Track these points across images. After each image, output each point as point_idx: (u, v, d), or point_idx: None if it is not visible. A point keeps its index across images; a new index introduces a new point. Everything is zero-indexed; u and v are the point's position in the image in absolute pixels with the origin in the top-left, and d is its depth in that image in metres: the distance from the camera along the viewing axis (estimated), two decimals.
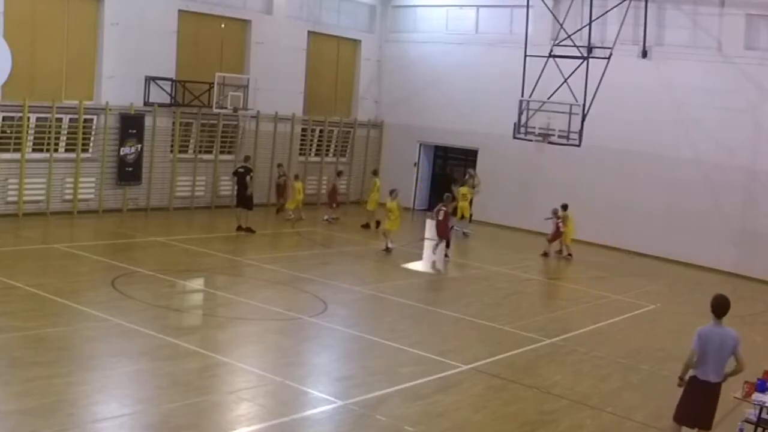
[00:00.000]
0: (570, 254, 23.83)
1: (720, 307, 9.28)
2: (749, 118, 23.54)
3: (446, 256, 21.85)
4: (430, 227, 25.17)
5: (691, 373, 9.41)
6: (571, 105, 22.45)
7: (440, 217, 21.88)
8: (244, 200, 22.48)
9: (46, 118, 22.00)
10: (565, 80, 22.78)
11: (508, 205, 28.24)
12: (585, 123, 22.30)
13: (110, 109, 23.27)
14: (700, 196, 24.36)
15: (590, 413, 11.37)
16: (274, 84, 27.19)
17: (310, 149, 29.72)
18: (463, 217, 26.13)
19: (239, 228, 22.21)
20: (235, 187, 23.43)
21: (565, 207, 23.82)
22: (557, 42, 23.55)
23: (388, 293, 17.32)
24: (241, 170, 22.73)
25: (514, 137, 23.93)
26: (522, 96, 23.86)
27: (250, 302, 15.45)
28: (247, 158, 23.66)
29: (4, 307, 13.27)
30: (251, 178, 22.72)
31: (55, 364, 10.91)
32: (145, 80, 23.98)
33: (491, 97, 27.91)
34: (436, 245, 21.99)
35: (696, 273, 23.83)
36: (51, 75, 22.27)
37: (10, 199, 21.57)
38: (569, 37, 23.24)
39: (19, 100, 21.17)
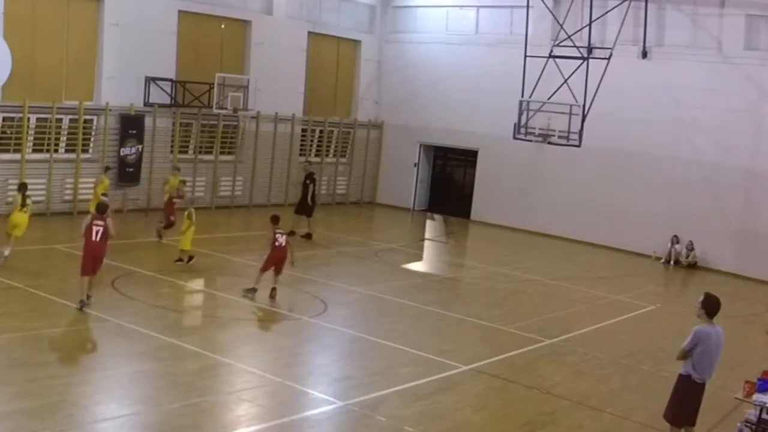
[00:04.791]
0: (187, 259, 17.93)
1: (716, 306, 9.24)
2: (749, 118, 23.55)
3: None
4: None
5: (683, 371, 9.36)
6: (571, 105, 22.44)
7: (281, 242, 16.07)
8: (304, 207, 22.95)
9: (46, 119, 22.00)
10: (565, 81, 22.78)
11: (508, 206, 28.24)
12: (585, 123, 22.30)
13: (110, 110, 23.27)
14: (700, 196, 24.37)
15: (590, 414, 11.37)
16: (275, 84, 27.17)
17: (310, 150, 29.72)
18: None
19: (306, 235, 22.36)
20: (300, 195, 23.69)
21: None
22: (557, 42, 23.55)
23: (387, 294, 17.32)
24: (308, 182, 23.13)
25: (514, 138, 23.92)
26: (522, 96, 23.86)
27: (250, 303, 15.44)
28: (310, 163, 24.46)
29: (4, 308, 13.26)
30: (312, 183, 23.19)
31: (55, 365, 10.92)
32: (145, 81, 23.98)
33: (491, 98, 27.92)
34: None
35: (696, 273, 23.84)
36: (51, 75, 22.27)
37: (10, 199, 21.52)
38: (569, 37, 23.24)
39: (19, 100, 21.17)
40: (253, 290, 15.72)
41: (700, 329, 9.24)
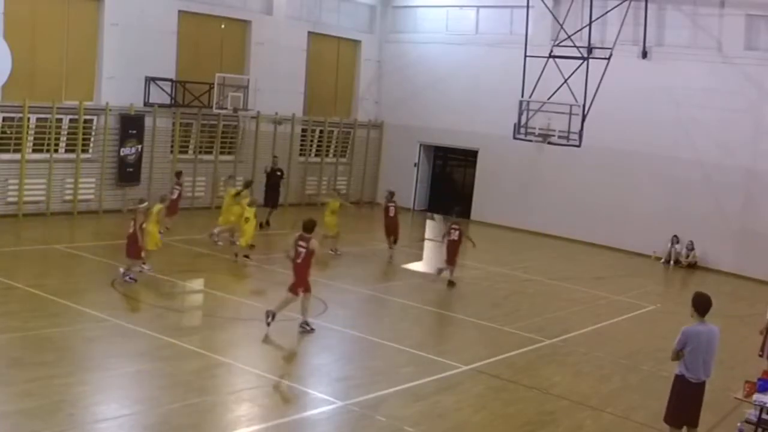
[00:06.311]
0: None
1: (705, 304, 9.19)
2: (749, 118, 23.56)
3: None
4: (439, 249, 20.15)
5: (677, 371, 9.35)
6: (571, 105, 22.42)
7: (454, 237, 18.37)
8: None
9: (46, 119, 22.00)
10: (565, 81, 22.77)
11: (508, 206, 28.25)
12: (585, 123, 22.30)
13: (110, 110, 23.27)
14: (700, 196, 24.38)
15: (590, 414, 11.37)
16: (275, 84, 27.19)
17: (310, 150, 29.73)
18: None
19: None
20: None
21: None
22: (557, 42, 23.54)
23: (388, 294, 17.32)
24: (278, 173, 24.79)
25: (514, 138, 23.92)
26: (522, 96, 23.86)
27: (250, 303, 15.45)
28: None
29: (4, 308, 13.27)
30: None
31: (56, 365, 10.91)
32: (145, 81, 23.98)
33: (491, 98, 27.93)
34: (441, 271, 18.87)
35: (696, 273, 23.84)
36: (51, 75, 22.27)
37: (10, 199, 21.57)
38: (569, 37, 23.23)
39: (19, 100, 21.17)
40: (450, 281, 18.39)
41: (688, 328, 9.23)
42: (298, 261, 13.43)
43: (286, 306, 13.59)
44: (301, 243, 13.42)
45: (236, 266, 18.67)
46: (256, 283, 17.59)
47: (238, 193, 20.09)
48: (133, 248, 15.57)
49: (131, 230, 15.60)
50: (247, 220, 18.50)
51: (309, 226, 13.54)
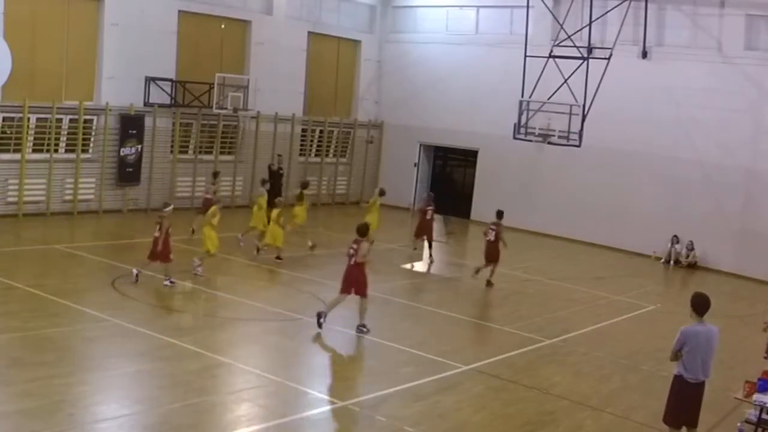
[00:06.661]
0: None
1: (703, 304, 9.17)
2: (749, 118, 23.56)
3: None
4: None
5: (676, 372, 9.35)
6: (571, 105, 22.44)
7: (490, 237, 18.98)
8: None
9: (46, 119, 22.00)
10: (565, 81, 22.78)
11: (508, 206, 27.70)
12: (585, 123, 22.31)
13: (110, 110, 23.28)
14: (700, 196, 24.39)
15: (590, 414, 11.37)
16: (274, 84, 27.19)
17: (310, 150, 29.73)
18: None
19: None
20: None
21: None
22: (557, 42, 23.54)
23: (388, 294, 17.30)
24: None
25: (514, 138, 23.93)
26: (522, 96, 23.87)
27: (250, 303, 15.45)
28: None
29: (4, 308, 13.26)
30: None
31: (56, 365, 10.91)
32: (145, 81, 23.99)
33: (491, 98, 27.93)
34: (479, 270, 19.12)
35: (696, 273, 23.85)
36: (51, 75, 22.27)
37: (10, 199, 21.57)
38: (569, 37, 23.24)
39: (19, 100, 21.17)
40: (478, 270, 18.97)
41: (686, 328, 9.21)
42: (351, 263, 13.86)
43: (365, 310, 13.99)
44: (353, 246, 13.86)
45: (236, 266, 18.68)
46: (257, 283, 17.59)
47: (301, 196, 21.15)
48: (162, 251, 15.60)
49: (156, 234, 15.61)
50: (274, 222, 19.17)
51: (362, 230, 14.01)
